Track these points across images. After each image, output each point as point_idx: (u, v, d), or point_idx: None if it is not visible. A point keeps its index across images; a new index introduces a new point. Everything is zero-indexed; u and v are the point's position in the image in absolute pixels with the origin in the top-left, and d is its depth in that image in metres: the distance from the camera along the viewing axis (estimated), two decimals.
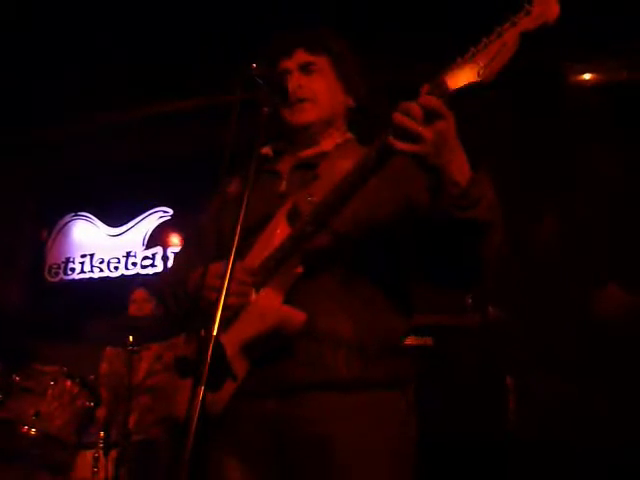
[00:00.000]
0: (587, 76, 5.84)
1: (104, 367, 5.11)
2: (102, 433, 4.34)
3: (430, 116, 1.60)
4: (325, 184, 1.88)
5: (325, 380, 1.84)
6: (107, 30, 5.53)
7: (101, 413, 4.48)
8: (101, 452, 4.28)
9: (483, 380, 4.08)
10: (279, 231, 1.94)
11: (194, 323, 1.98)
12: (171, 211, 7.44)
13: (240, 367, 1.86)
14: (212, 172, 2.11)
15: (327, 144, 2.15)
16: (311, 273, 1.88)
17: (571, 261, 5.20)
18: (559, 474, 4.22)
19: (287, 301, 1.86)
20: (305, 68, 2.13)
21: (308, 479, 1.81)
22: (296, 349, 1.84)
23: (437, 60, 1.68)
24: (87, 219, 7.80)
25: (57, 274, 7.73)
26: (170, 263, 7.06)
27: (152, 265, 7.34)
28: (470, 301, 4.27)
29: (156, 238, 7.42)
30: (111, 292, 6.85)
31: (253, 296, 1.90)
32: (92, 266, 7.61)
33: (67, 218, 7.88)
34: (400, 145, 1.62)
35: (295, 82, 2.08)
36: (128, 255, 7.50)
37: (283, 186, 2.10)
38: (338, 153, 2.11)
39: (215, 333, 1.49)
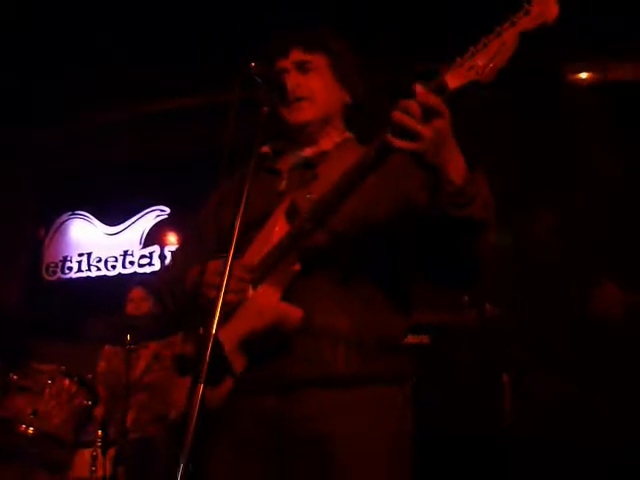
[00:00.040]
0: (586, 76, 5.85)
1: (102, 366, 5.11)
2: (100, 431, 4.35)
3: (428, 114, 1.60)
4: (324, 183, 1.88)
5: (323, 376, 1.84)
6: (107, 30, 5.53)
7: (99, 411, 4.48)
8: (99, 450, 4.29)
9: (480, 378, 4.09)
10: (278, 228, 1.95)
11: (192, 320, 1.98)
12: (168, 210, 7.45)
13: (238, 363, 1.86)
14: (209, 171, 2.12)
15: (326, 143, 2.16)
16: (308, 271, 1.89)
17: (569, 260, 5.20)
18: (555, 472, 4.23)
19: (285, 298, 1.86)
20: (301, 67, 2.13)
21: (307, 477, 1.81)
22: (294, 345, 1.85)
23: (437, 60, 1.68)
24: (84, 218, 7.81)
25: (55, 273, 7.74)
26: (167, 262, 7.07)
27: (149, 264, 7.35)
28: (467, 299, 4.28)
29: (153, 237, 7.43)
30: (108, 291, 6.85)
31: (251, 293, 1.90)
32: (89, 265, 7.61)
33: (64, 217, 7.88)
34: (398, 143, 1.62)
35: (293, 81, 2.08)
36: (125, 254, 7.50)
37: (283, 185, 2.10)
38: (338, 152, 2.11)
39: (214, 331, 1.49)
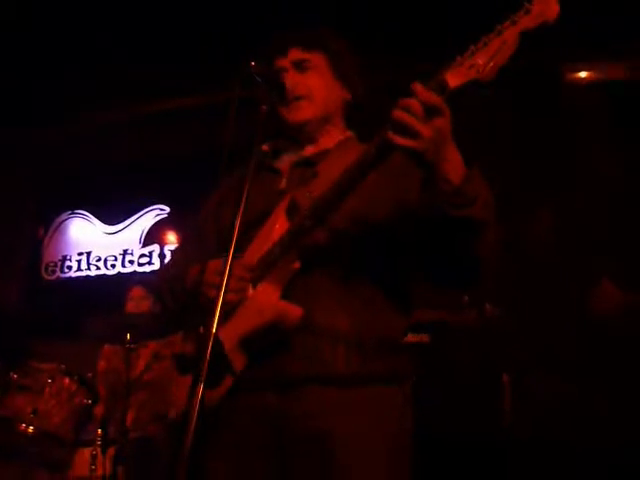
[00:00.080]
0: (586, 75, 5.85)
1: (102, 365, 5.11)
2: (100, 430, 4.35)
3: (429, 113, 1.60)
4: (325, 181, 1.88)
5: (323, 374, 1.85)
6: (107, 30, 5.53)
7: (99, 410, 4.48)
8: (99, 449, 4.28)
9: (480, 377, 4.10)
10: (278, 226, 1.95)
11: (192, 319, 1.99)
12: (168, 209, 7.44)
13: (238, 361, 1.87)
14: (209, 170, 2.12)
15: (327, 142, 2.16)
16: (308, 269, 1.89)
17: (569, 260, 5.21)
18: (555, 471, 4.23)
19: (285, 297, 1.87)
20: (299, 65, 2.14)
21: (308, 475, 1.81)
22: (294, 344, 1.85)
23: (437, 60, 1.68)
24: (84, 217, 7.80)
25: (54, 272, 7.73)
26: (167, 260, 7.07)
27: (149, 263, 7.34)
28: (467, 298, 4.28)
29: (153, 236, 7.42)
30: (108, 290, 6.85)
31: (250, 291, 1.90)
32: (89, 264, 7.61)
33: (64, 216, 7.87)
34: (399, 140, 1.62)
35: (291, 80, 2.08)
36: (125, 253, 7.49)
37: (283, 183, 2.11)
38: (338, 151, 2.11)
39: (214, 330, 1.50)
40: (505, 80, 1.69)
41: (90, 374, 4.50)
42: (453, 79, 1.63)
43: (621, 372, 4.42)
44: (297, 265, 1.88)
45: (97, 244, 7.63)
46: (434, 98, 1.60)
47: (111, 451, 4.28)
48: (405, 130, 1.61)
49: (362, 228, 1.95)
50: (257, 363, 1.87)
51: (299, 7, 4.63)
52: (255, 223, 1.98)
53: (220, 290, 1.55)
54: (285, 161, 2.18)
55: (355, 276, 1.93)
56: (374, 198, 1.93)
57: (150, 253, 7.37)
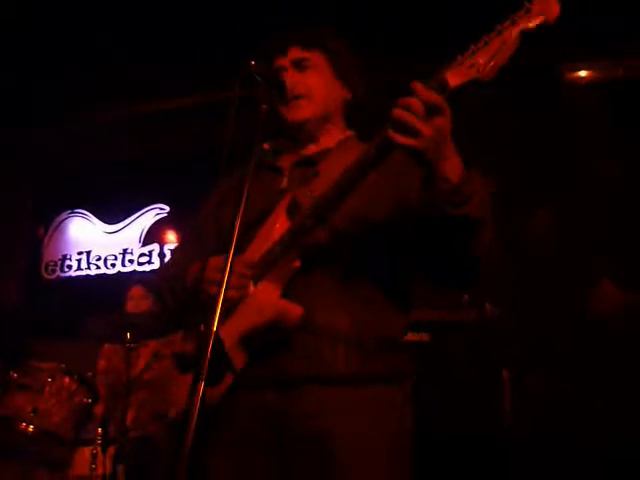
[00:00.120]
0: (586, 75, 5.84)
1: (102, 364, 5.11)
2: (100, 429, 4.35)
3: (430, 112, 1.60)
4: (325, 180, 1.88)
5: (323, 374, 1.85)
6: (107, 30, 5.53)
7: (99, 409, 4.49)
8: (99, 448, 4.28)
9: (479, 376, 4.09)
10: (279, 225, 1.95)
11: (192, 318, 1.99)
12: (168, 208, 7.45)
13: (238, 359, 1.87)
14: (209, 169, 2.12)
15: (327, 141, 2.17)
16: (309, 268, 1.89)
17: (569, 260, 5.21)
18: (554, 469, 4.23)
19: (285, 296, 1.87)
20: (299, 64, 2.14)
21: (307, 475, 1.82)
22: (294, 342, 1.85)
23: (437, 60, 1.68)
24: (83, 216, 7.81)
25: (54, 271, 7.73)
26: (167, 259, 7.07)
27: (149, 262, 7.35)
28: (466, 297, 4.28)
29: (153, 235, 7.43)
30: (108, 289, 6.86)
31: (251, 289, 1.91)
32: (89, 263, 7.61)
33: (63, 215, 7.88)
34: (400, 139, 1.62)
35: (291, 79, 2.08)
36: (125, 252, 7.50)
37: (284, 182, 2.11)
38: (339, 150, 2.12)
39: (215, 328, 1.50)
40: (505, 80, 1.69)
41: (90, 373, 4.50)
42: (453, 78, 1.63)
43: (620, 371, 4.43)
44: (297, 264, 1.88)
45: (97, 243, 7.64)
46: (434, 97, 1.60)
47: (111, 450, 4.29)
48: (405, 129, 1.61)
49: (362, 228, 1.95)
50: (257, 361, 1.87)
51: (299, 7, 4.63)
52: (255, 222, 1.98)
53: (221, 287, 1.55)
54: (286, 160, 2.18)
55: (355, 276, 1.93)
56: (374, 198, 1.93)
57: (150, 252, 7.37)
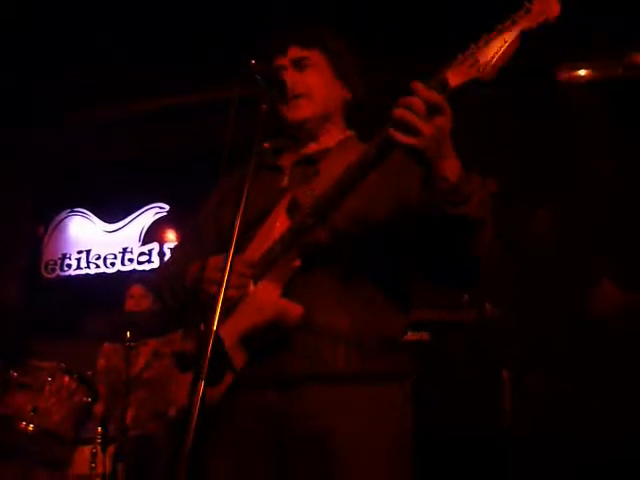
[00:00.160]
0: (585, 74, 5.84)
1: (101, 363, 5.11)
2: (100, 429, 4.35)
3: (431, 111, 1.60)
4: (326, 179, 1.88)
5: (323, 373, 1.85)
6: (107, 30, 5.53)
7: (99, 409, 4.49)
8: (99, 447, 4.29)
9: (479, 376, 4.10)
10: (279, 224, 1.95)
11: (192, 317, 1.99)
12: (167, 207, 7.45)
13: (238, 359, 1.87)
14: (208, 168, 2.12)
15: (328, 140, 2.17)
16: (309, 268, 1.89)
17: (569, 259, 5.21)
18: (554, 469, 4.23)
19: (285, 295, 1.87)
20: (298, 64, 2.14)
21: (308, 475, 1.82)
22: (294, 342, 1.85)
23: (437, 60, 1.69)
24: (83, 215, 7.81)
25: (54, 270, 7.73)
26: (167, 258, 7.08)
27: (149, 261, 7.35)
28: (466, 297, 4.28)
29: (152, 234, 7.43)
30: (107, 288, 6.86)
31: (251, 288, 1.91)
32: (88, 262, 7.61)
33: (63, 214, 7.88)
34: (401, 138, 1.63)
35: (291, 78, 2.08)
36: (124, 251, 7.50)
37: (285, 181, 2.11)
38: (339, 150, 2.11)
39: (215, 327, 1.50)
40: (505, 80, 1.69)
41: (90, 372, 4.50)
42: (454, 78, 1.63)
43: (620, 371, 4.43)
44: (298, 263, 1.88)
45: (97, 242, 7.64)
46: (436, 96, 1.61)
47: (111, 449, 4.29)
48: (407, 128, 1.61)
49: (362, 228, 1.95)
50: (257, 361, 1.87)
51: (299, 7, 4.63)
52: (256, 221, 1.98)
53: (221, 286, 1.55)
54: (287, 159, 2.18)
55: (355, 275, 1.93)
56: (374, 197, 1.93)
57: (150, 251, 7.38)
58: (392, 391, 1.93)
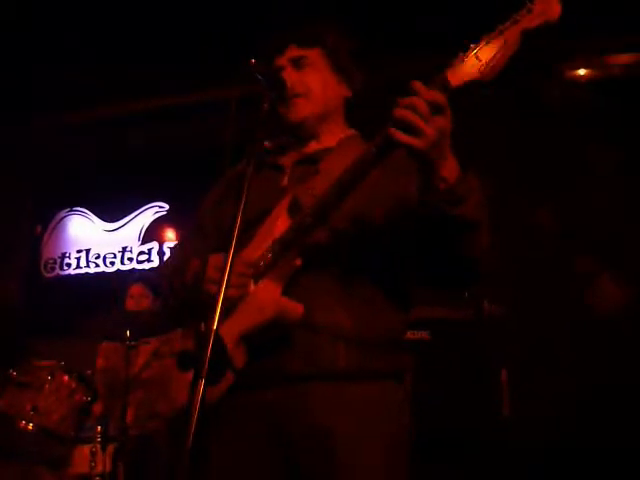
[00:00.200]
0: (585, 73, 5.84)
1: (100, 362, 5.10)
2: (99, 427, 4.35)
3: (433, 111, 1.60)
4: (326, 179, 1.88)
5: (323, 372, 1.85)
6: (107, 30, 5.53)
7: (98, 408, 4.48)
8: (99, 446, 4.28)
9: (479, 375, 4.10)
10: (279, 223, 1.95)
11: (192, 316, 1.99)
12: (167, 206, 7.45)
13: (239, 358, 1.87)
14: (208, 167, 2.12)
15: (329, 139, 2.17)
16: (309, 267, 1.90)
17: (569, 259, 5.22)
18: (554, 469, 4.24)
19: (285, 294, 1.87)
20: (297, 63, 2.14)
21: (309, 473, 1.82)
22: (294, 340, 1.86)
23: (437, 60, 1.69)
24: (83, 214, 7.80)
25: (53, 269, 7.73)
26: (167, 257, 7.07)
27: (148, 260, 7.35)
28: (466, 295, 4.28)
29: (152, 233, 7.43)
30: (107, 287, 6.85)
31: (252, 287, 1.91)
32: (88, 261, 7.61)
33: (63, 213, 7.87)
34: (403, 138, 1.63)
35: (290, 78, 2.09)
36: (124, 250, 7.50)
37: (285, 180, 2.11)
38: (340, 149, 2.12)
39: (215, 327, 1.50)
40: (505, 79, 1.69)
41: (89, 371, 4.50)
42: (454, 78, 1.64)
43: (620, 371, 4.44)
44: (298, 262, 1.88)
45: (96, 241, 7.63)
46: (439, 97, 1.61)
47: (111, 448, 4.29)
48: (409, 128, 1.61)
49: (362, 227, 1.95)
50: (257, 360, 1.88)
51: (299, 7, 4.62)
52: (256, 220, 1.99)
53: (221, 286, 1.55)
54: (288, 158, 2.18)
55: (356, 274, 1.94)
56: (375, 197, 1.94)
57: (149, 250, 7.37)
58: (392, 390, 1.94)
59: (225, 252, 1.59)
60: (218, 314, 1.50)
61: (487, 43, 1.62)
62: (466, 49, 1.65)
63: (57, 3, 5.21)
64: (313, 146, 2.17)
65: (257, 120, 1.82)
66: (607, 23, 5.14)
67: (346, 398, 1.85)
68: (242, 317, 1.88)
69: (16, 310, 7.22)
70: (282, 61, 2.14)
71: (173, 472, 1.38)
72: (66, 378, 4.11)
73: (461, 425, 3.94)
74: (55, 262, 7.73)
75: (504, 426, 4.02)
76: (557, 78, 5.86)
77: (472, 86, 1.64)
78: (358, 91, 2.22)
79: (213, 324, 1.49)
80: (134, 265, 7.39)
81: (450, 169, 1.69)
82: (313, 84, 2.13)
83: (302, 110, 2.11)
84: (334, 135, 2.18)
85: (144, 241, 7.45)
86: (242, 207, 1.65)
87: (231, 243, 1.60)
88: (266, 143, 2.22)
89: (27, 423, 3.88)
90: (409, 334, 3.93)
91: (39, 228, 7.85)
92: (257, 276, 1.91)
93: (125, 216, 7.59)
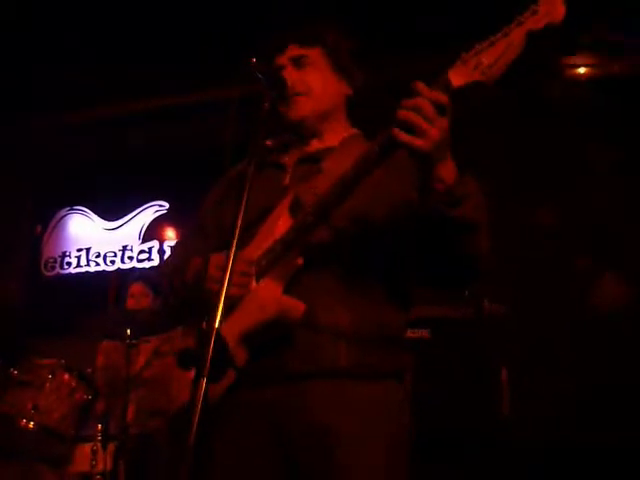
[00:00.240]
0: (585, 72, 5.84)
1: (100, 360, 5.11)
2: (100, 426, 4.35)
3: (437, 112, 1.61)
4: (328, 178, 1.88)
5: (324, 370, 1.86)
6: (107, 30, 5.54)
7: (99, 406, 4.49)
8: (99, 445, 4.28)
9: (479, 374, 4.10)
10: (281, 222, 1.96)
11: (193, 314, 2.00)
12: (167, 205, 7.45)
13: (240, 356, 1.87)
14: (208, 166, 2.13)
15: (332, 138, 2.17)
16: (311, 266, 1.90)
17: (569, 259, 5.22)
18: (554, 469, 4.24)
19: (287, 293, 1.87)
20: (297, 62, 2.15)
21: (309, 471, 1.82)
22: (295, 339, 1.86)
23: (437, 60, 1.69)
24: (83, 213, 7.80)
25: (53, 268, 7.73)
26: (168, 256, 7.07)
27: (148, 259, 7.35)
28: (467, 294, 4.29)
29: (152, 232, 7.43)
30: (107, 286, 6.85)
31: (253, 286, 1.91)
32: (88, 260, 7.60)
33: (63, 212, 7.87)
34: (406, 138, 1.63)
35: (290, 77, 2.09)
36: (124, 249, 7.50)
37: (287, 179, 2.11)
38: (343, 148, 2.12)
39: (217, 325, 1.50)
40: (505, 79, 1.69)
41: (90, 370, 4.50)
42: (457, 78, 1.63)
43: (620, 371, 4.44)
44: (300, 261, 1.88)
45: (96, 240, 7.64)
46: (442, 98, 1.61)
47: (111, 446, 4.29)
48: (412, 129, 1.61)
49: (364, 227, 1.96)
50: (258, 358, 1.88)
51: (299, 7, 4.63)
52: (257, 219, 1.99)
53: (223, 285, 1.55)
54: (290, 157, 2.18)
55: (357, 273, 1.94)
56: (376, 196, 1.94)
57: (149, 249, 7.38)
58: (392, 388, 1.94)
59: (226, 250, 1.59)
60: (220, 313, 1.51)
61: (492, 44, 1.61)
62: (469, 49, 1.64)
63: (57, 3, 5.22)
64: (315, 145, 2.17)
65: (258, 119, 1.83)
66: (607, 23, 5.15)
67: (346, 396, 1.85)
68: (243, 316, 1.88)
69: (17, 309, 7.23)
70: (282, 60, 2.14)
71: (176, 470, 1.39)
72: (67, 377, 4.12)
73: (461, 425, 3.95)
74: (55, 261, 7.73)
75: (504, 426, 4.03)
76: (557, 77, 5.86)
77: (474, 87, 1.64)
78: (359, 89, 2.22)
79: (215, 323, 1.49)
80: (134, 264, 7.39)
81: (448, 170, 1.69)
82: (314, 83, 2.13)
83: (302, 108, 2.11)
84: (337, 134, 2.18)
85: (144, 240, 7.45)
86: (243, 206, 1.65)
87: (232, 242, 1.60)
88: (268, 141, 2.23)
89: (28, 422, 3.90)
90: (409, 332, 3.94)
91: (39, 228, 7.85)
92: (259, 275, 1.91)
93: (125, 215, 7.60)
